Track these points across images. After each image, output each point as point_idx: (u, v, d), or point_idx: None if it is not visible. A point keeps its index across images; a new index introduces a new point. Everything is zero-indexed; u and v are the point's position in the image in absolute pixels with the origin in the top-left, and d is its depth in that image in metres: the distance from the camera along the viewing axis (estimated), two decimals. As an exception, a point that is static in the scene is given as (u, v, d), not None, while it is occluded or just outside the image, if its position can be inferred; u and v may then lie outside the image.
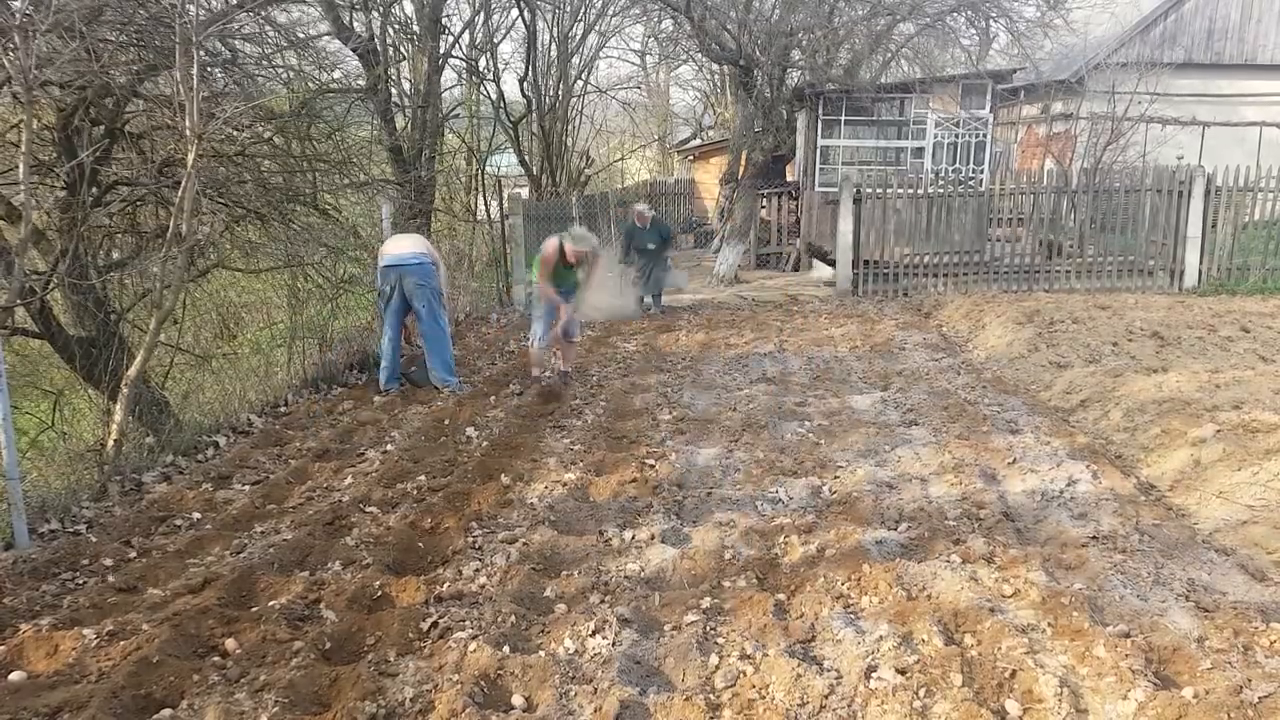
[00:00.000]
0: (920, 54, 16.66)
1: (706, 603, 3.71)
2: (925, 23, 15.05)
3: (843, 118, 14.50)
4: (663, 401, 6.84)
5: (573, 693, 3.13)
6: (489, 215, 13.52)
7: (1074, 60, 18.53)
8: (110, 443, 5.51)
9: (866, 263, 12.19)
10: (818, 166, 14.66)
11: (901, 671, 3.14)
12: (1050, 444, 5.63)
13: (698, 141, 28.22)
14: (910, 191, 12.13)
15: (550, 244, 7.24)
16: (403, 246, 7.45)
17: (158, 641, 3.31)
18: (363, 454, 5.83)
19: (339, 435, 6.21)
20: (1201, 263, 11.71)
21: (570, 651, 3.39)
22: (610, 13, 17.95)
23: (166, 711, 3.01)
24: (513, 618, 3.58)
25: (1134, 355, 7.49)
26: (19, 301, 5.43)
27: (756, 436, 5.96)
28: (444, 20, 12.36)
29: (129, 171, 6.59)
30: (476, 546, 4.33)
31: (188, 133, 5.52)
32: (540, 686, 3.17)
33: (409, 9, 12.19)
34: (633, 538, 4.38)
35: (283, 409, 7.02)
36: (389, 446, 5.95)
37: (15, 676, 3.21)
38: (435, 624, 3.57)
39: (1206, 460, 5.07)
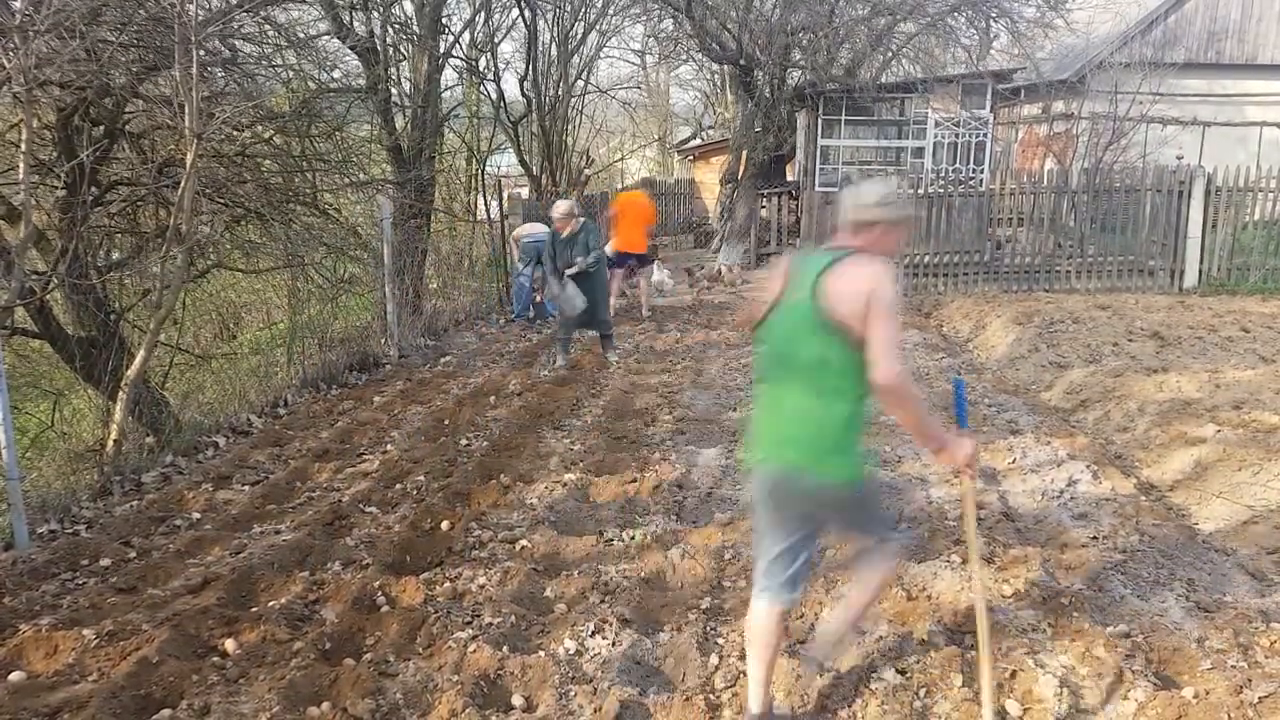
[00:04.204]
0: (921, 54, 16.62)
1: (706, 603, 3.71)
2: (926, 22, 15.02)
3: (843, 117, 14.48)
4: (663, 402, 6.83)
5: (573, 693, 3.12)
6: (489, 215, 13.49)
7: (1075, 60, 18.50)
8: (110, 443, 5.51)
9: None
10: (818, 166, 14.64)
11: (901, 672, 3.14)
12: (1051, 444, 5.62)
13: (698, 141, 28.18)
14: (910, 191, 12.11)
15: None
16: (539, 229, 10.12)
17: (157, 642, 3.31)
18: (363, 454, 5.83)
19: (339, 435, 6.20)
20: (1202, 263, 11.68)
21: (570, 652, 3.39)
22: (610, 12, 17.89)
23: (166, 712, 3.01)
24: (513, 618, 3.59)
25: (1134, 355, 7.49)
26: (19, 301, 5.44)
27: (757, 436, 5.95)
28: (444, 20, 12.35)
29: (129, 171, 6.60)
30: (476, 547, 4.33)
31: (187, 133, 5.52)
32: (540, 686, 3.17)
33: (409, 9, 12.16)
34: (633, 538, 4.38)
35: (282, 409, 7.02)
36: (389, 447, 5.95)
37: (15, 676, 3.21)
38: (435, 624, 3.56)
39: (1207, 460, 5.07)
